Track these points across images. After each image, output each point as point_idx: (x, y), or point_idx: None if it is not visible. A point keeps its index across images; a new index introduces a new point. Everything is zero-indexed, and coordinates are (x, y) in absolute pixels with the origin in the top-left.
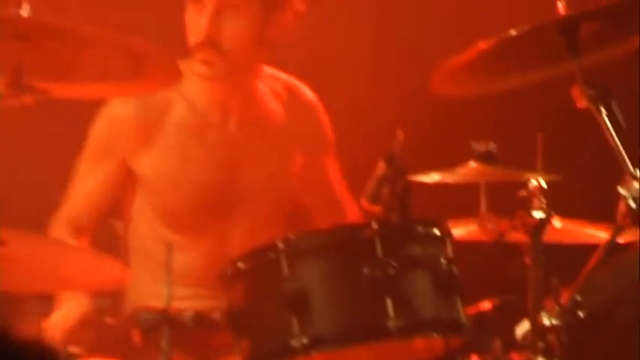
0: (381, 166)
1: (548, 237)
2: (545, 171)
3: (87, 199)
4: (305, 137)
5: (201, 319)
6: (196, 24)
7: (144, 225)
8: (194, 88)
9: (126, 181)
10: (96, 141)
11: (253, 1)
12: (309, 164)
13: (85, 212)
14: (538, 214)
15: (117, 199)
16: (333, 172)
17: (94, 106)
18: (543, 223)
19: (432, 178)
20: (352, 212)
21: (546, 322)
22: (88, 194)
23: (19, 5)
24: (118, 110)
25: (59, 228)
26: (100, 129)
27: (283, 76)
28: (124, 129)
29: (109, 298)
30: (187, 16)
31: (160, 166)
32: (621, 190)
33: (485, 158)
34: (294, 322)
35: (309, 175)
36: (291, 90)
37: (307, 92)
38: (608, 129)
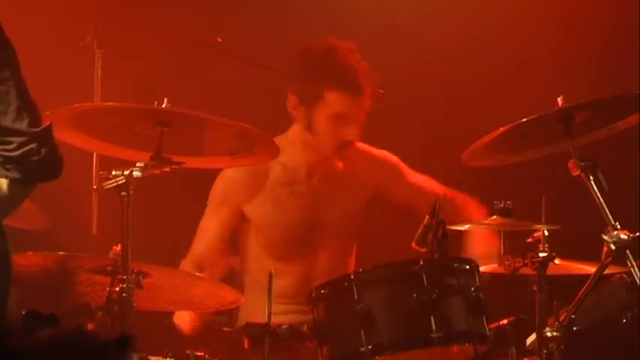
0: (427, 219)
1: (550, 271)
2: (548, 223)
3: (209, 239)
4: (372, 180)
5: (293, 331)
6: None
7: (253, 260)
8: (287, 154)
9: (237, 225)
10: (216, 196)
11: None
12: (389, 184)
13: (206, 251)
14: (543, 255)
15: (230, 240)
16: (406, 173)
17: (214, 173)
18: (547, 261)
19: (465, 227)
20: (429, 183)
21: (549, 334)
22: (209, 236)
23: (161, 100)
24: (232, 173)
25: (188, 264)
26: (219, 187)
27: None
28: (237, 186)
29: (226, 314)
30: None
31: (262, 210)
32: (604, 237)
33: (503, 213)
34: (362, 333)
35: (389, 189)
36: (360, 150)
37: (373, 150)
38: (595, 192)
